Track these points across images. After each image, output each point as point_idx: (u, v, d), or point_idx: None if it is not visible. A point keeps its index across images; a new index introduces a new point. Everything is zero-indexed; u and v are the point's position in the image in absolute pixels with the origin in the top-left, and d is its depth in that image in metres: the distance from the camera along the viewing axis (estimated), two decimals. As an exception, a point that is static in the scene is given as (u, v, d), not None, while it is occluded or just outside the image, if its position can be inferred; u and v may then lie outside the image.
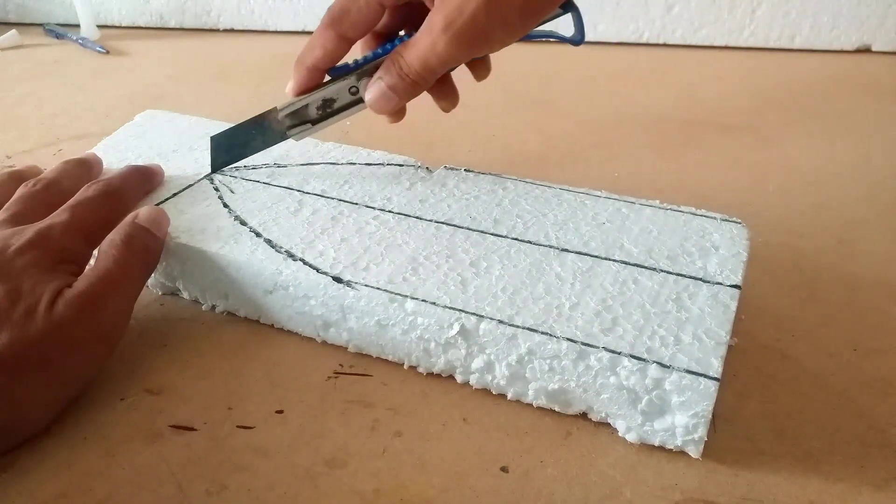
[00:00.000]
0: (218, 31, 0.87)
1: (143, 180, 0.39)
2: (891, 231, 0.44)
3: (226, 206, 0.38)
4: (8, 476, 0.27)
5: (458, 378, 0.32)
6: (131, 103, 0.64)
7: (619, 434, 0.29)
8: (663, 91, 0.68)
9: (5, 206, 0.35)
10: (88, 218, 0.34)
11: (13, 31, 0.81)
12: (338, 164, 0.42)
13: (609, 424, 0.30)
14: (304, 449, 0.29)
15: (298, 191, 0.39)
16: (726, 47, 0.78)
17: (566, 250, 0.34)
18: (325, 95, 0.37)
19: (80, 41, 0.81)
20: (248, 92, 0.68)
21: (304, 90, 0.38)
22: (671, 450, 0.28)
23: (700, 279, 0.32)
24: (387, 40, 0.38)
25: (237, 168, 0.42)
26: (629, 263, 0.33)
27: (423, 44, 0.33)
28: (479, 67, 0.40)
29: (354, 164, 0.42)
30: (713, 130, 0.59)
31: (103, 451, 0.29)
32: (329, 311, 0.33)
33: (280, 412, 0.30)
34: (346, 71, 0.37)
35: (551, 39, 0.39)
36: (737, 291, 0.31)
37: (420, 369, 0.32)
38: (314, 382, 0.32)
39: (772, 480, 0.27)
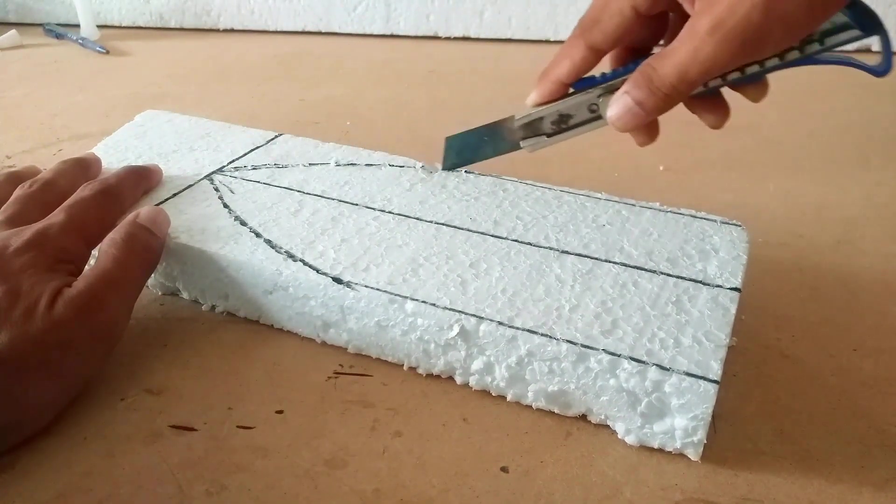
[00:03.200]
0: (218, 31, 0.87)
1: (140, 180, 0.39)
2: (891, 231, 0.44)
3: (226, 206, 0.38)
4: (8, 476, 0.27)
5: (458, 379, 0.32)
6: (131, 103, 0.64)
7: (619, 436, 0.29)
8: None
9: (3, 208, 0.35)
10: (85, 218, 0.34)
11: (13, 31, 0.81)
12: (338, 165, 0.42)
13: (609, 426, 0.30)
14: (304, 449, 0.29)
15: (299, 191, 0.39)
16: (726, 47, 0.78)
17: (566, 252, 0.34)
18: (561, 110, 0.36)
19: (80, 41, 0.81)
20: (248, 92, 0.68)
21: (545, 102, 0.36)
22: (670, 452, 0.28)
23: (700, 282, 0.32)
24: (640, 55, 0.35)
25: (237, 168, 0.42)
26: (629, 266, 0.33)
27: (683, 51, 0.30)
28: (753, 86, 0.34)
29: (355, 164, 0.42)
30: (713, 130, 0.58)
31: (103, 451, 0.29)
32: (329, 312, 0.33)
33: (280, 412, 0.30)
34: (590, 84, 0.35)
35: (847, 66, 0.33)
36: (736, 294, 0.31)
37: (420, 370, 0.32)
38: (314, 382, 0.32)
39: (772, 480, 0.27)
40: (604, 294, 0.31)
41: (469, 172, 0.41)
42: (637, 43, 0.35)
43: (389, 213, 0.37)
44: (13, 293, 0.29)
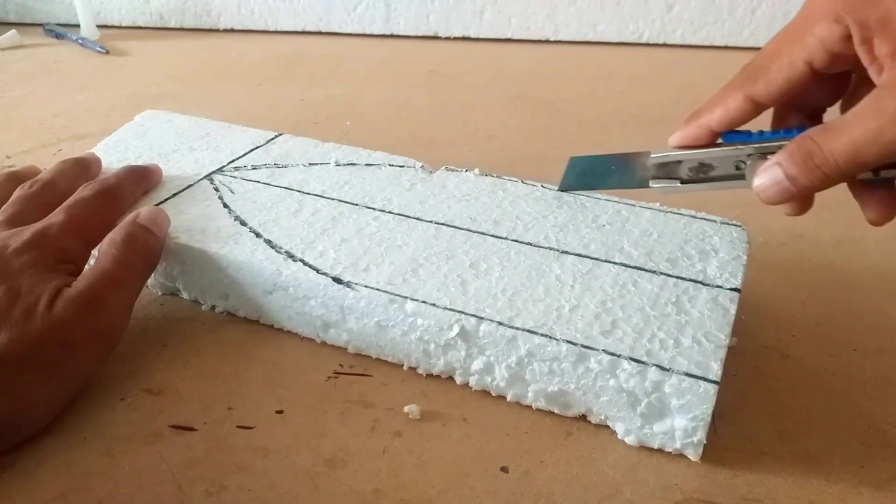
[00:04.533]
0: (218, 31, 0.87)
1: (139, 180, 0.39)
2: (891, 231, 0.44)
3: (226, 206, 0.38)
4: (8, 476, 0.27)
5: (458, 379, 0.32)
6: (131, 103, 0.64)
7: (619, 436, 0.29)
8: (663, 91, 0.68)
9: (3, 208, 0.35)
10: (85, 217, 0.34)
11: (13, 31, 0.81)
12: (338, 165, 0.42)
13: (609, 426, 0.30)
14: (304, 449, 0.29)
15: (299, 191, 0.39)
16: (726, 47, 0.78)
17: (566, 252, 0.34)
18: (703, 159, 0.32)
19: (80, 41, 0.81)
20: (248, 92, 0.68)
21: (688, 146, 0.32)
22: (670, 452, 0.28)
23: (700, 282, 0.32)
24: (807, 116, 0.31)
25: (237, 168, 0.42)
26: (629, 266, 0.33)
27: (861, 129, 0.26)
28: None
29: (355, 164, 0.42)
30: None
31: (103, 451, 0.29)
32: (329, 312, 0.33)
33: (280, 412, 0.30)
34: (743, 139, 0.31)
35: None
36: (736, 294, 0.31)
37: (420, 370, 0.32)
38: (314, 382, 0.32)
39: (772, 481, 0.27)
40: (604, 294, 0.31)
41: (469, 172, 0.41)
42: (807, 102, 0.31)
43: (389, 213, 0.37)
44: (13, 293, 0.29)
